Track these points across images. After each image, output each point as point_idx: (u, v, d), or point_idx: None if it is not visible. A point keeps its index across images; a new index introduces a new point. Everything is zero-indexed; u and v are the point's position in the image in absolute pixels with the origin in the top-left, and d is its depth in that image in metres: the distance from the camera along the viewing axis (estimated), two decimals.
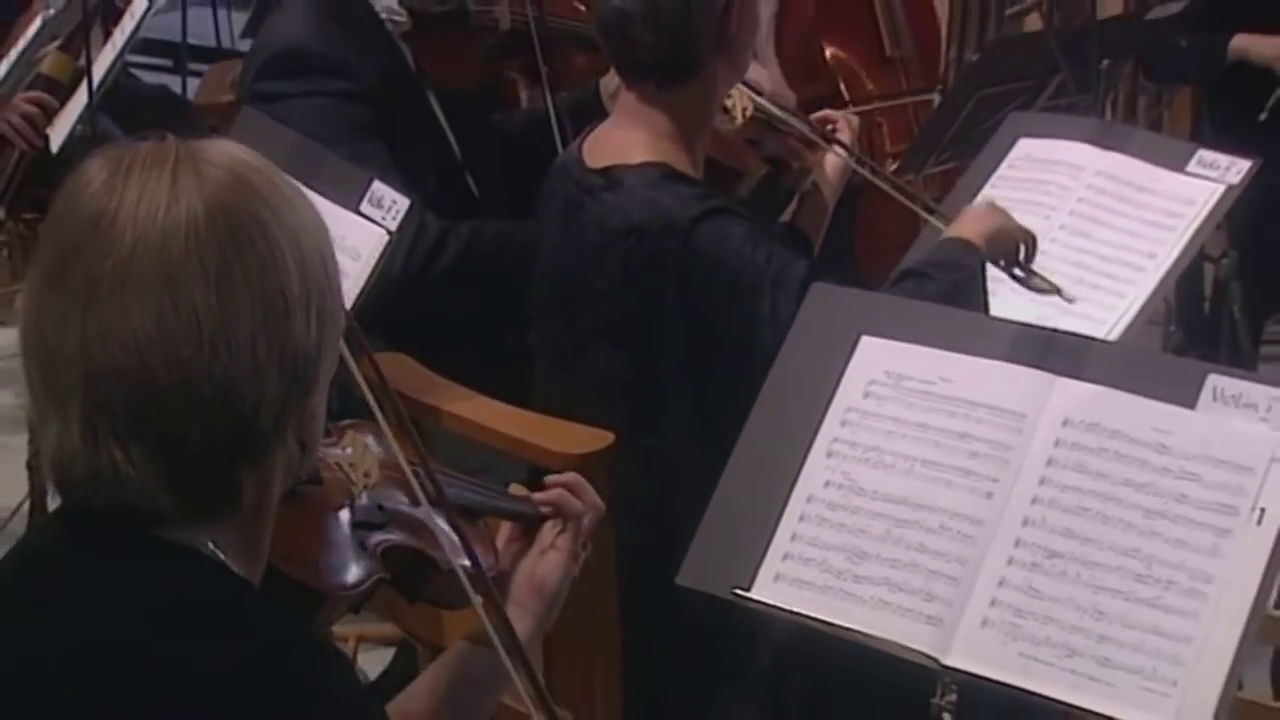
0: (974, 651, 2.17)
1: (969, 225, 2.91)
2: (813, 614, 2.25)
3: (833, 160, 3.05)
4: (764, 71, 4.24)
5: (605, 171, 2.78)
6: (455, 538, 1.88)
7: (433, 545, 1.87)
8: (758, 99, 2.95)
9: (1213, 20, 4.93)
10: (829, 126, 3.14)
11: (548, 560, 2.02)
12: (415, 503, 1.87)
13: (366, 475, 1.85)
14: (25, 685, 1.52)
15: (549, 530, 2.03)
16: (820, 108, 3.63)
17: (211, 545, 1.55)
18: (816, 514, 2.29)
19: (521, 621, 1.97)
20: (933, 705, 2.20)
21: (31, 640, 1.53)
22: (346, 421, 1.90)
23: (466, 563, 1.87)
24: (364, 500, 1.86)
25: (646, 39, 2.74)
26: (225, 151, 1.56)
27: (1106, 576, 2.15)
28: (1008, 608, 2.17)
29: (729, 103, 2.94)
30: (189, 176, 1.50)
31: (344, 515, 1.83)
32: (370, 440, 1.88)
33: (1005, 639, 2.16)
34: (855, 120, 3.22)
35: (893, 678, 2.24)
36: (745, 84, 2.95)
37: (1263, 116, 4.66)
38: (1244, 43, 4.81)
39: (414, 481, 1.84)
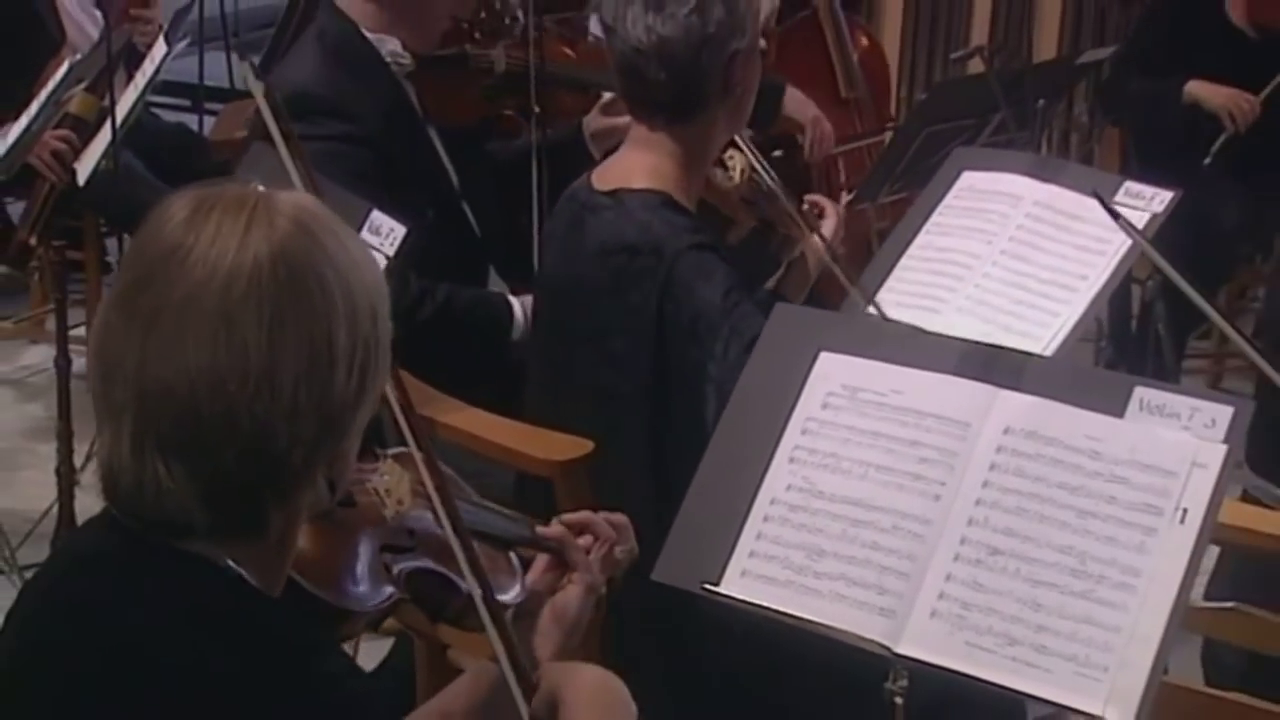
0: (923, 641, 2.17)
1: None
2: (776, 607, 2.24)
3: (815, 241, 3.04)
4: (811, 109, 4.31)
5: (611, 193, 2.80)
6: (474, 564, 1.83)
7: (455, 571, 1.84)
8: (756, 166, 2.96)
9: (1163, 62, 4.98)
10: (816, 210, 3.12)
11: (568, 591, 1.99)
12: (447, 530, 1.82)
13: (399, 502, 1.85)
14: (60, 667, 1.54)
15: (578, 563, 2.01)
16: (781, 147, 3.65)
17: (231, 563, 1.55)
18: (780, 515, 2.29)
19: (543, 647, 1.95)
20: (886, 690, 2.19)
21: (70, 629, 1.55)
22: (388, 450, 1.90)
23: (478, 589, 1.82)
24: (394, 524, 1.85)
25: (659, 78, 2.77)
26: (298, 204, 1.56)
27: (1044, 572, 2.15)
28: (954, 600, 2.18)
29: (729, 160, 2.97)
30: (261, 225, 1.51)
31: (373, 538, 1.81)
32: (406, 469, 1.87)
33: (952, 629, 2.16)
34: (841, 209, 3.19)
35: (849, 665, 2.24)
36: (751, 149, 2.96)
37: (1207, 161, 4.67)
38: (1196, 90, 4.84)
39: (442, 512, 1.80)
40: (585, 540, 2.04)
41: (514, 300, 3.33)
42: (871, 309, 2.86)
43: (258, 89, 2.10)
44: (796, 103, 4.32)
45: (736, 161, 2.94)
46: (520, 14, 3.62)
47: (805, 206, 3.09)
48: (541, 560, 2.00)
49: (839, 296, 3.08)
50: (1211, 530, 2.13)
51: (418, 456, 1.80)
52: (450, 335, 3.19)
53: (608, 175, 2.87)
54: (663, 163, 2.81)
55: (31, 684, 1.57)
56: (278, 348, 1.49)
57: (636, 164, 2.83)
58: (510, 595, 1.94)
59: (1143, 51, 5.13)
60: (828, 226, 3.05)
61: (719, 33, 2.75)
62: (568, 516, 2.05)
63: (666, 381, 2.70)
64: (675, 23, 2.74)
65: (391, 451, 1.86)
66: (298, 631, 1.58)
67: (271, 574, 1.60)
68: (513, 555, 1.99)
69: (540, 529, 2.03)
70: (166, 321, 1.49)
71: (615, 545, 2.07)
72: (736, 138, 2.95)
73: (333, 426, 1.54)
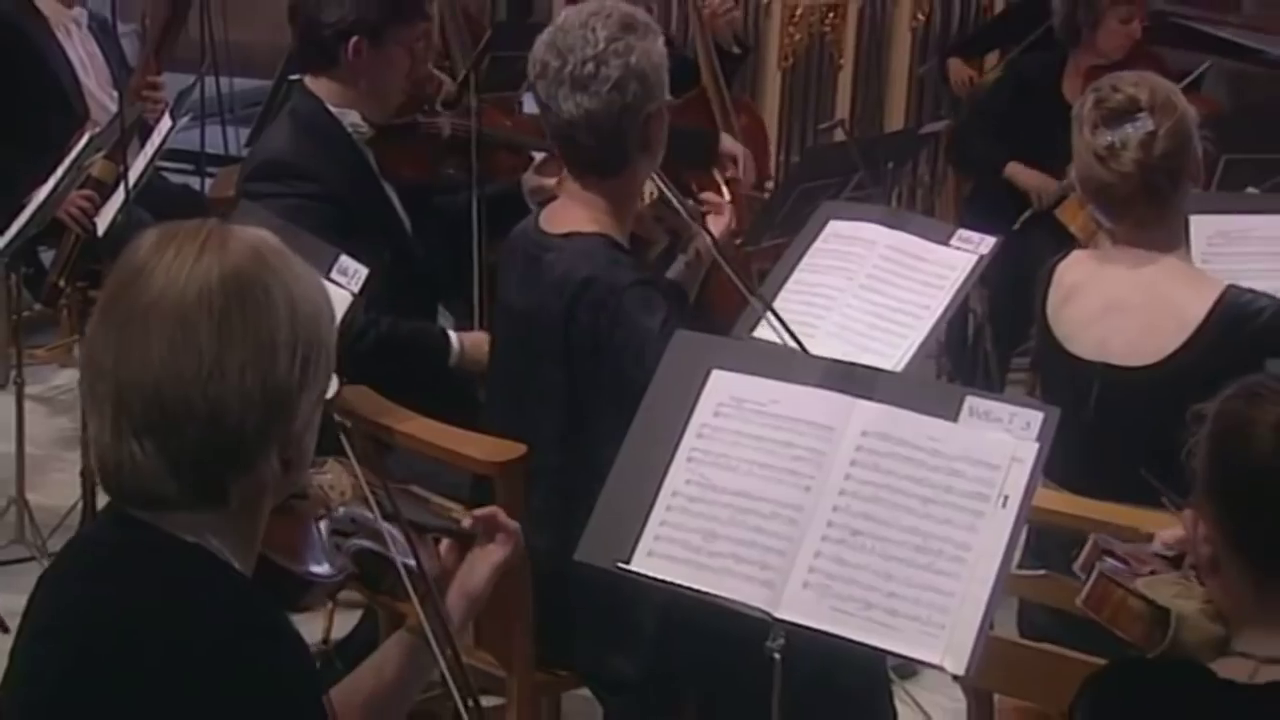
0: (797, 607, 2.18)
1: None
2: (677, 581, 2.25)
3: (706, 240, 3.03)
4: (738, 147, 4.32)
5: (563, 235, 2.78)
6: (405, 546, 1.86)
7: (388, 550, 1.86)
8: (659, 184, 2.94)
9: (1002, 130, 4.97)
10: (705, 208, 3.10)
11: (475, 571, 2.00)
12: (378, 518, 1.85)
13: (342, 494, 1.85)
14: (67, 634, 1.55)
15: (478, 547, 2.02)
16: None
17: (215, 542, 1.57)
18: (679, 505, 2.29)
19: (451, 613, 1.96)
20: (766, 648, 2.19)
21: (75, 601, 1.57)
22: (333, 457, 1.90)
23: (412, 563, 1.86)
24: (339, 513, 1.85)
25: (589, 144, 2.76)
26: (253, 233, 1.59)
27: (894, 549, 2.16)
28: (822, 573, 2.18)
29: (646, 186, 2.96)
30: (214, 249, 1.53)
31: (324, 524, 1.81)
32: (347, 469, 1.88)
33: (820, 597, 2.17)
34: (729, 208, 3.19)
35: (737, 628, 2.25)
36: (656, 174, 2.94)
37: (1015, 227, 4.70)
38: (1012, 171, 4.85)
39: (373, 502, 1.83)
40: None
41: (451, 334, 3.32)
42: (767, 315, 2.87)
43: None
44: (729, 142, 4.35)
45: (647, 185, 2.93)
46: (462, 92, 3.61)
47: (699, 204, 3.10)
48: (447, 543, 2.00)
49: (736, 305, 3.10)
50: (1027, 513, 2.15)
51: (355, 465, 1.84)
52: (391, 361, 3.18)
53: (556, 220, 2.84)
54: (600, 210, 2.80)
55: (43, 657, 1.58)
56: (224, 341, 1.51)
57: (581, 212, 2.81)
58: (428, 570, 1.92)
59: (984, 119, 5.16)
60: (720, 224, 3.03)
61: (635, 102, 2.75)
62: (478, 512, 2.05)
63: (618, 393, 2.64)
64: (599, 99, 2.73)
65: (332, 457, 1.86)
66: (258, 608, 1.58)
67: (245, 545, 1.61)
68: (430, 539, 1.98)
69: (458, 519, 2.03)
70: (134, 326, 1.52)
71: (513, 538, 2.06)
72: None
73: (279, 407, 1.55)
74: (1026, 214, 4.71)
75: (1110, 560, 1.79)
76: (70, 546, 1.68)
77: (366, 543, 1.86)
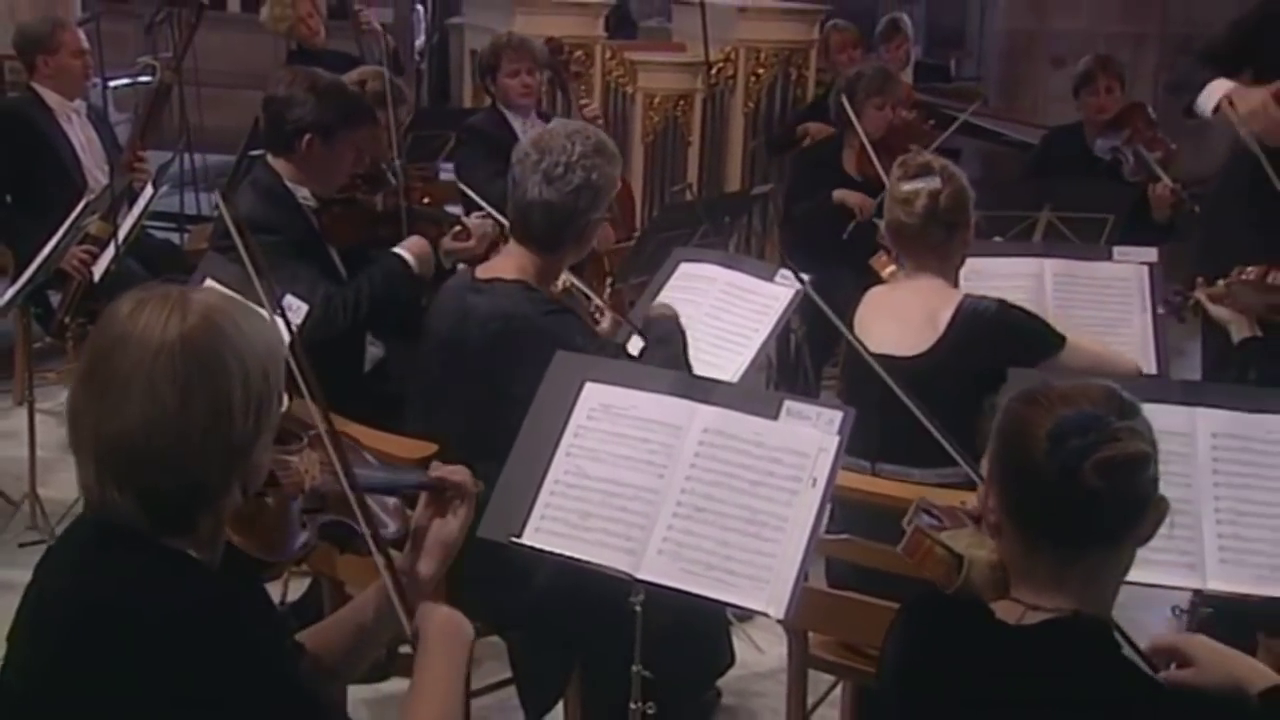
0: (654, 569, 2.18)
1: (658, 310, 2.95)
2: (559, 551, 2.24)
3: (606, 324, 2.96)
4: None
5: (489, 281, 2.75)
6: (366, 513, 1.72)
7: (352, 518, 1.73)
8: (574, 280, 2.93)
9: (808, 190, 4.98)
10: (601, 311, 3.03)
11: (449, 523, 1.85)
12: (341, 490, 1.72)
13: (310, 475, 1.75)
14: (49, 624, 1.48)
15: (450, 501, 1.86)
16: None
17: (181, 547, 1.49)
18: (560, 490, 2.28)
19: (428, 565, 1.82)
20: (629, 602, 2.20)
21: (56, 594, 1.50)
22: (303, 436, 1.78)
23: (367, 531, 1.72)
24: (310, 492, 1.74)
25: (540, 223, 2.73)
26: (205, 300, 1.50)
27: (730, 521, 2.17)
28: (673, 542, 2.19)
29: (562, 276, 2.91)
30: (176, 317, 1.45)
31: (296, 503, 1.72)
32: (313, 453, 1.76)
33: (672, 560, 2.18)
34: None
35: (607, 588, 2.24)
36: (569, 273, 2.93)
37: (845, 236, 4.70)
38: (839, 195, 4.87)
39: (341, 477, 1.70)
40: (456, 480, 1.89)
41: (400, 251, 3.26)
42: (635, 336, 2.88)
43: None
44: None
45: (561, 280, 2.90)
46: (392, 175, 3.56)
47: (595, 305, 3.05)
48: (424, 499, 1.87)
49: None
50: (831, 491, 2.17)
51: (326, 439, 1.71)
52: (387, 302, 3.19)
53: (488, 270, 2.82)
54: (528, 266, 2.76)
55: (29, 644, 1.50)
56: (188, 406, 1.43)
57: (510, 264, 2.78)
58: (392, 530, 1.83)
59: (797, 190, 5.19)
60: (607, 321, 2.98)
61: (584, 207, 2.74)
62: (445, 468, 1.90)
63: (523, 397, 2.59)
64: (559, 194, 2.71)
65: (307, 437, 1.76)
66: (224, 590, 1.50)
67: (209, 551, 1.53)
68: (396, 500, 1.88)
69: (425, 474, 1.90)
70: (113, 390, 1.44)
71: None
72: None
73: (238, 456, 1.48)
74: (851, 225, 4.75)
75: (926, 516, 1.79)
76: (57, 543, 1.59)
77: (333, 515, 1.76)
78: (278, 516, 1.67)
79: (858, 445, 2.62)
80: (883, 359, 2.73)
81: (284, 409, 1.60)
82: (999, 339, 2.79)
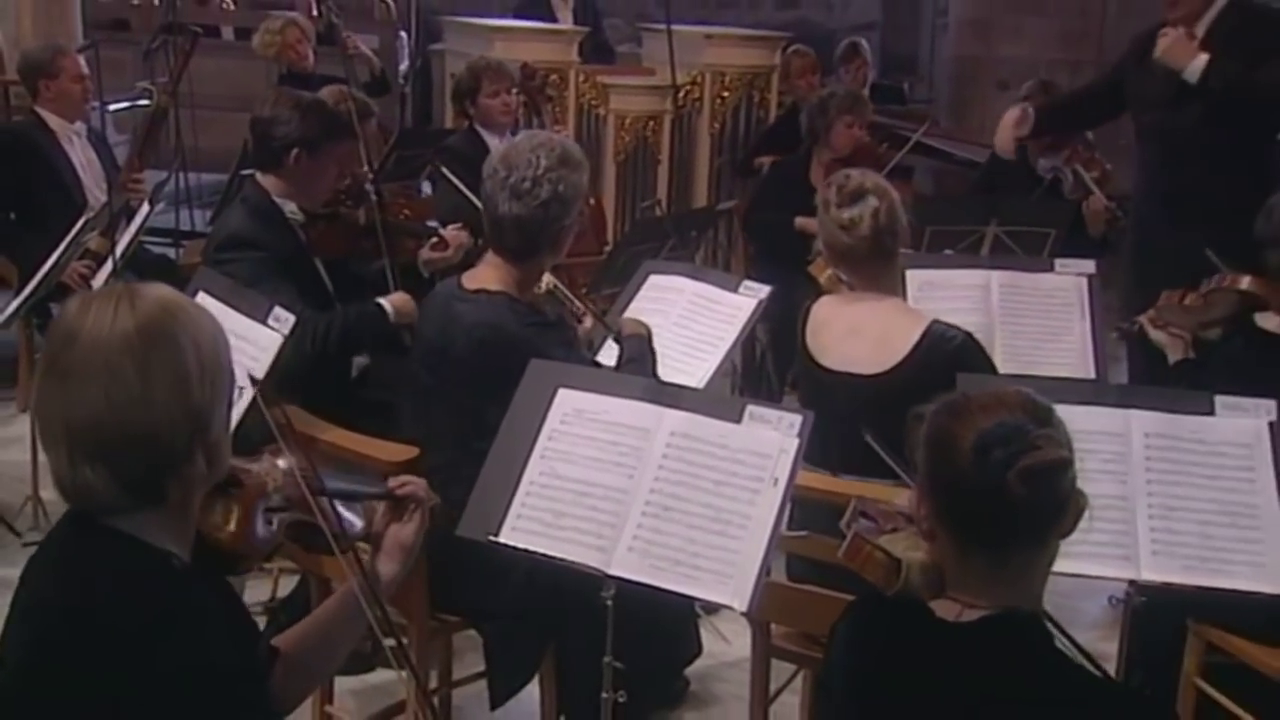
0: (624, 565, 2.17)
1: (632, 326, 2.93)
2: (534, 549, 2.23)
3: (586, 325, 2.96)
4: None
5: (475, 291, 2.72)
6: (330, 514, 1.74)
7: (315, 518, 1.74)
8: (556, 283, 2.89)
9: (775, 206, 4.98)
10: (582, 313, 3.02)
11: (408, 528, 1.84)
12: (304, 493, 1.73)
13: (274, 479, 1.73)
14: (31, 618, 1.48)
15: (407, 509, 1.85)
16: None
17: (156, 534, 1.48)
18: (535, 490, 2.27)
19: (389, 567, 1.83)
20: (600, 596, 2.19)
21: (38, 590, 1.50)
22: (265, 447, 1.78)
23: (335, 529, 1.74)
24: (274, 494, 1.73)
25: (513, 234, 2.70)
26: (158, 291, 1.51)
27: (696, 520, 2.16)
28: (642, 540, 2.18)
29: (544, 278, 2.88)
30: (125, 307, 1.45)
31: (260, 503, 1.70)
32: (278, 458, 1.75)
33: (641, 557, 2.16)
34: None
35: (580, 583, 2.23)
36: (550, 276, 2.88)
37: (809, 260, 4.70)
38: (801, 223, 4.88)
39: (301, 481, 1.71)
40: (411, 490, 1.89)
41: (382, 301, 3.22)
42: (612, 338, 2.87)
43: (262, 402, 1.85)
44: None
45: (545, 280, 2.87)
46: (372, 193, 3.54)
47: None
48: (383, 506, 1.87)
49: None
50: (791, 490, 2.16)
51: (285, 449, 1.73)
52: (355, 342, 3.12)
53: (473, 280, 2.77)
54: (510, 278, 2.73)
55: (12, 637, 1.49)
56: (147, 379, 1.44)
57: (493, 275, 2.74)
58: (356, 531, 1.83)
59: (763, 199, 5.21)
60: (588, 321, 2.97)
61: (554, 216, 2.70)
62: (402, 478, 1.89)
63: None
64: (528, 209, 2.68)
65: (268, 448, 1.76)
66: (192, 584, 1.50)
67: (181, 533, 1.53)
68: (359, 506, 1.86)
69: (384, 485, 1.89)
70: (73, 379, 1.44)
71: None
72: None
73: (198, 420, 1.48)
74: (814, 253, 4.75)
75: (864, 520, 1.79)
76: (42, 544, 1.58)
77: (296, 515, 1.74)
78: (242, 512, 1.66)
79: (818, 456, 2.61)
80: (844, 376, 2.74)
81: (250, 397, 1.59)
82: (962, 368, 2.67)
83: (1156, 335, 3.08)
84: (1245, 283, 2.91)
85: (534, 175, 2.68)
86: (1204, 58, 3.83)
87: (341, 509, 1.79)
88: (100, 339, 1.44)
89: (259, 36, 5.74)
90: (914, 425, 1.67)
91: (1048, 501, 1.58)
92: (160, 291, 1.51)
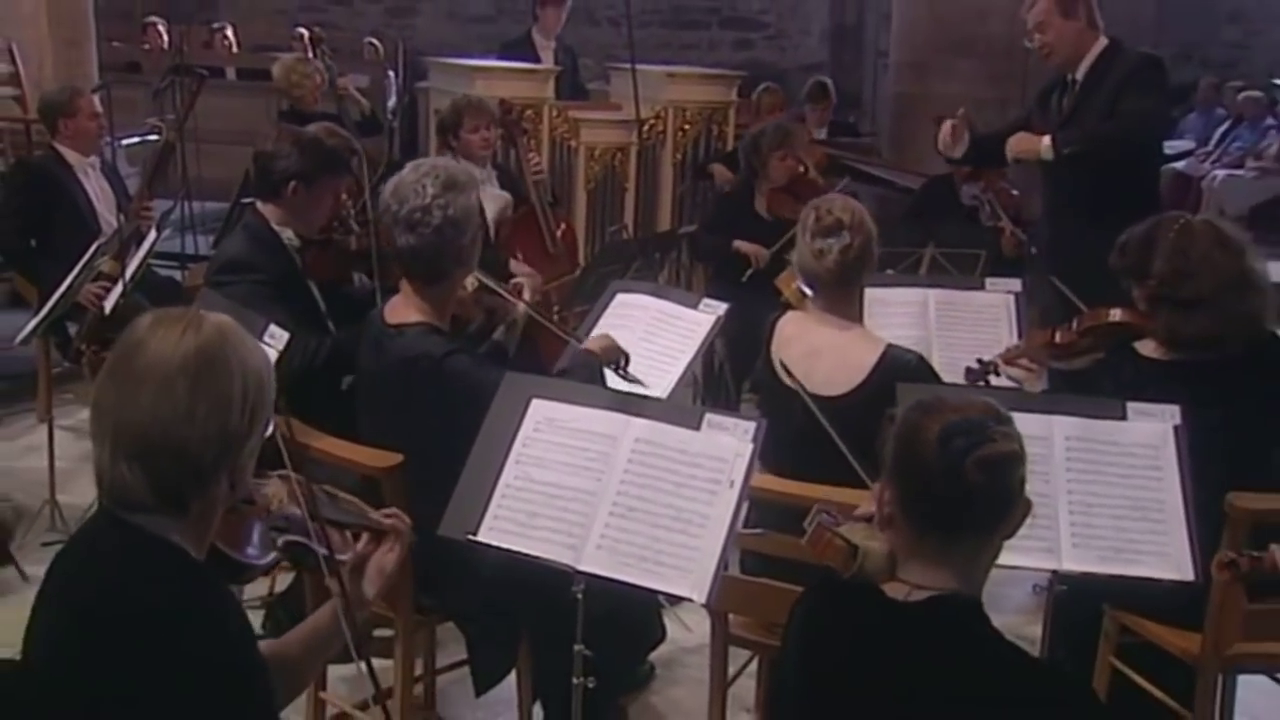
0: (593, 561, 2.16)
1: (592, 343, 2.89)
2: (510, 547, 2.21)
3: (521, 308, 2.95)
4: (525, 267, 4.15)
5: (397, 326, 2.65)
6: (323, 538, 1.73)
7: (310, 542, 1.73)
8: (480, 279, 2.82)
9: (723, 230, 4.99)
10: (518, 288, 3.03)
11: (389, 557, 1.83)
12: (303, 517, 1.73)
13: (280, 501, 1.73)
14: (60, 605, 1.48)
15: (389, 539, 1.84)
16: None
17: (177, 537, 1.48)
18: (511, 493, 2.25)
19: (369, 590, 1.80)
20: (571, 591, 2.17)
21: (68, 579, 1.50)
22: (273, 472, 1.77)
23: (325, 552, 1.74)
24: (276, 515, 1.73)
25: (416, 264, 2.63)
26: (218, 319, 1.52)
27: (659, 519, 2.15)
28: (609, 538, 2.16)
29: (468, 280, 2.85)
30: (191, 330, 1.47)
31: (263, 521, 1.71)
32: (282, 483, 1.75)
33: (609, 554, 2.15)
34: (537, 279, 3.07)
35: (553, 579, 2.21)
36: (477, 275, 2.81)
37: (744, 279, 4.72)
38: (738, 245, 4.89)
39: (302, 506, 1.71)
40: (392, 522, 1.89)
41: None
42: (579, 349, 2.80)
43: (296, 483, 1.81)
44: (519, 266, 4.22)
45: (470, 280, 2.82)
46: (356, 224, 3.50)
47: (511, 285, 2.99)
48: (365, 535, 1.87)
49: (558, 351, 3.04)
50: (747, 491, 2.15)
51: (294, 479, 1.72)
52: (343, 362, 3.00)
53: (394, 314, 2.68)
54: (426, 307, 2.65)
55: (43, 623, 1.49)
56: (195, 396, 1.45)
57: (411, 306, 2.66)
58: (345, 556, 1.82)
59: (713, 224, 5.21)
60: (526, 294, 2.92)
61: (451, 238, 2.61)
62: (385, 511, 1.90)
63: (448, 424, 2.50)
64: (423, 239, 2.59)
65: (276, 472, 1.75)
66: (209, 580, 1.50)
67: (200, 539, 1.53)
68: (348, 533, 1.86)
69: (371, 515, 1.88)
70: (131, 382, 1.45)
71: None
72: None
73: (231, 445, 1.48)
74: (750, 271, 4.79)
75: (826, 515, 1.80)
76: (72, 537, 1.58)
77: (295, 537, 1.75)
78: (250, 528, 1.67)
79: (772, 459, 2.59)
80: (800, 393, 2.70)
81: (272, 429, 1.59)
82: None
83: (1009, 372, 2.98)
84: (1117, 315, 2.82)
85: (423, 205, 2.58)
86: (1047, 139, 3.88)
87: (334, 535, 1.79)
88: (163, 354, 1.45)
89: (282, 72, 5.64)
90: (886, 424, 1.69)
91: (1001, 490, 1.60)
92: (223, 322, 1.52)
